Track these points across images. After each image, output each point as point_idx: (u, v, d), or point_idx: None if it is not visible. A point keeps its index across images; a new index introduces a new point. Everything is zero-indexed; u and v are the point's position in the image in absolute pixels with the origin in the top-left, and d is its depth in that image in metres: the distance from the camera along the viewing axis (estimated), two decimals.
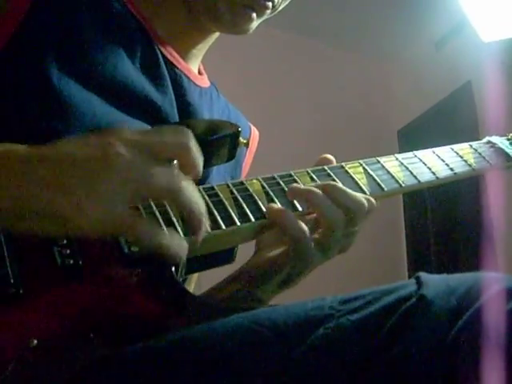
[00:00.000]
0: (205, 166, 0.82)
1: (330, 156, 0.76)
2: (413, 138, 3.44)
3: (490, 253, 2.58)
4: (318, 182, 0.70)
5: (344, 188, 0.68)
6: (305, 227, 0.64)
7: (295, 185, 0.69)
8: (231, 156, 0.81)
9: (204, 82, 0.90)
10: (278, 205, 0.66)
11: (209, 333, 0.54)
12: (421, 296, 0.51)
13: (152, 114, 0.77)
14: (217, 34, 0.89)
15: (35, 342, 0.50)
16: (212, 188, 0.67)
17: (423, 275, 0.55)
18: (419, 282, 0.54)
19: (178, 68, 0.83)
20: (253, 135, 1.00)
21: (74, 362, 0.51)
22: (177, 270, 0.61)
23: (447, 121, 3.22)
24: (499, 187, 2.61)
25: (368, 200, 0.68)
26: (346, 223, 0.66)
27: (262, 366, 0.51)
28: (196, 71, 0.89)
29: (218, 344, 0.53)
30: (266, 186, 0.69)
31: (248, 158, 0.98)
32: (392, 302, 0.52)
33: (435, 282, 0.54)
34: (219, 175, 0.87)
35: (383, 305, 0.52)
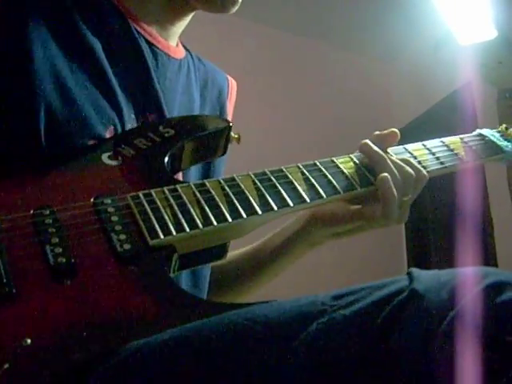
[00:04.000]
0: (197, 162, 0.83)
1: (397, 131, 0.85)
2: (412, 138, 3.43)
3: (489, 252, 2.58)
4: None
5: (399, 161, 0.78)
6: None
7: (368, 142, 0.79)
8: (223, 151, 0.82)
9: (181, 52, 0.92)
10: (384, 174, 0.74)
11: (203, 330, 0.54)
12: (412, 290, 0.51)
13: (133, 100, 0.78)
14: (191, 14, 0.91)
15: (29, 341, 0.51)
16: (203, 184, 0.68)
17: (415, 271, 0.55)
18: (411, 277, 0.54)
19: (158, 48, 0.85)
20: (231, 86, 1.02)
21: (67, 361, 0.51)
22: (169, 266, 0.62)
23: (446, 121, 3.21)
24: (499, 185, 2.61)
25: (418, 171, 0.78)
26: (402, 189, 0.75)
27: (255, 362, 0.51)
28: (175, 45, 0.91)
29: (212, 341, 0.53)
30: (257, 181, 0.70)
31: (229, 109, 1.00)
32: (384, 296, 0.52)
33: (427, 277, 0.54)
34: None
35: (375, 299, 0.52)
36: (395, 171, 0.76)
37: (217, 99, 0.96)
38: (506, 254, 2.57)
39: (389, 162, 0.77)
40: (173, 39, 0.91)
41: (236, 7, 0.87)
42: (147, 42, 0.83)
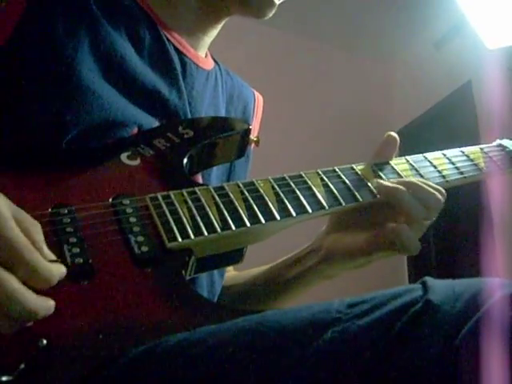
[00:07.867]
0: (216, 164, 0.83)
1: (393, 134, 0.80)
2: (412, 138, 3.44)
3: (490, 252, 2.57)
4: (403, 179, 0.76)
5: (424, 185, 0.73)
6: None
7: (382, 181, 0.74)
8: (241, 153, 0.81)
9: (209, 63, 0.92)
10: (387, 182, 0.73)
11: (215, 335, 0.54)
12: (427, 301, 0.51)
13: (159, 107, 0.78)
14: (225, 20, 0.91)
15: (45, 341, 0.51)
16: (222, 188, 0.68)
17: (429, 280, 0.55)
18: (425, 287, 0.54)
19: (187, 56, 0.85)
20: (257, 102, 1.02)
21: (82, 362, 0.51)
22: (186, 270, 0.62)
23: (447, 121, 3.22)
24: (500, 186, 2.62)
25: (441, 193, 0.74)
26: (425, 216, 0.72)
27: (268, 368, 0.51)
28: (204, 55, 0.91)
29: (224, 347, 0.53)
30: (276, 186, 0.70)
31: (254, 124, 1.00)
32: (399, 307, 0.52)
33: (441, 287, 0.53)
34: None
35: (390, 309, 0.52)
36: (417, 204, 0.72)
37: (242, 114, 0.96)
38: (507, 257, 2.58)
39: (408, 198, 0.72)
40: (202, 49, 0.90)
41: (273, 11, 0.86)
42: (176, 50, 0.83)
